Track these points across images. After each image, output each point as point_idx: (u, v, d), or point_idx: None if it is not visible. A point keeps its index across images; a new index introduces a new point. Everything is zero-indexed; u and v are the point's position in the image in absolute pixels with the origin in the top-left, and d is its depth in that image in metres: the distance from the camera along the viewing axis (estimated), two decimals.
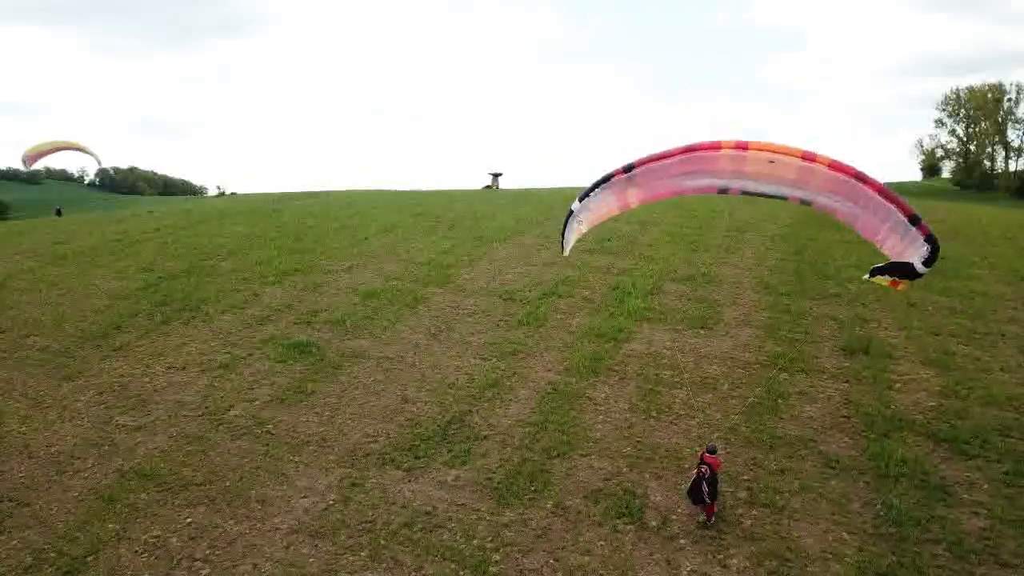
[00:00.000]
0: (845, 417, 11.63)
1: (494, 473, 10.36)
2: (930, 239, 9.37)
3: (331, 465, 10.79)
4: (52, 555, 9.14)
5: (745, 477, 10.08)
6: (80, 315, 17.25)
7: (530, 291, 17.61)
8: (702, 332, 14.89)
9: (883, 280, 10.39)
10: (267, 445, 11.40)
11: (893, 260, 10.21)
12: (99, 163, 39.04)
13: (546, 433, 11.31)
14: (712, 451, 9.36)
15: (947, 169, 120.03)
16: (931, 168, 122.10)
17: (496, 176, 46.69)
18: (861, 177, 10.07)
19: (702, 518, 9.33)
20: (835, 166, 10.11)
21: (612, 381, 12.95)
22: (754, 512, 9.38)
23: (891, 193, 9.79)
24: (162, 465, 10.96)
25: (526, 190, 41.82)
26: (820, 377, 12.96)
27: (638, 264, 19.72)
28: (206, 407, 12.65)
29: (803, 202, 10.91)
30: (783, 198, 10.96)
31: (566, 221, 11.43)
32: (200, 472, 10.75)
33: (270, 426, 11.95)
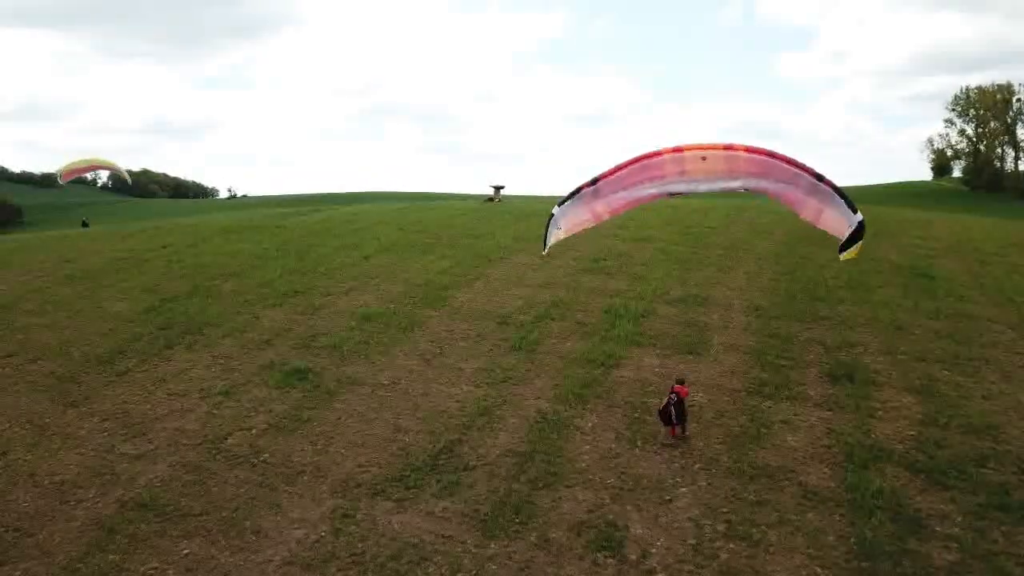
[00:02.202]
0: (826, 447, 11.91)
1: (481, 504, 10.67)
2: (850, 204, 11.39)
3: (324, 495, 11.13)
4: None
5: (724, 509, 10.36)
6: (85, 339, 17.69)
7: (524, 314, 17.95)
8: (690, 357, 15.20)
9: (852, 253, 11.75)
10: (263, 475, 11.76)
11: (845, 232, 11.84)
12: (128, 181, 40.17)
13: (533, 464, 11.63)
14: (681, 382, 12.14)
15: (958, 169, 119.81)
16: (941, 168, 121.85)
17: (498, 188, 47.04)
18: (771, 154, 11.88)
19: (668, 441, 11.97)
20: (751, 149, 11.96)
21: (600, 409, 13.26)
22: (731, 546, 9.66)
23: (797, 161, 11.63)
24: (162, 495, 11.32)
25: (532, 197, 42.24)
26: (804, 405, 13.24)
27: (631, 285, 20.03)
28: (205, 435, 13.02)
29: (744, 189, 12.65)
30: (721, 191, 12.77)
31: (547, 224, 12.95)
32: (198, 502, 11.10)
33: (266, 455, 12.31)
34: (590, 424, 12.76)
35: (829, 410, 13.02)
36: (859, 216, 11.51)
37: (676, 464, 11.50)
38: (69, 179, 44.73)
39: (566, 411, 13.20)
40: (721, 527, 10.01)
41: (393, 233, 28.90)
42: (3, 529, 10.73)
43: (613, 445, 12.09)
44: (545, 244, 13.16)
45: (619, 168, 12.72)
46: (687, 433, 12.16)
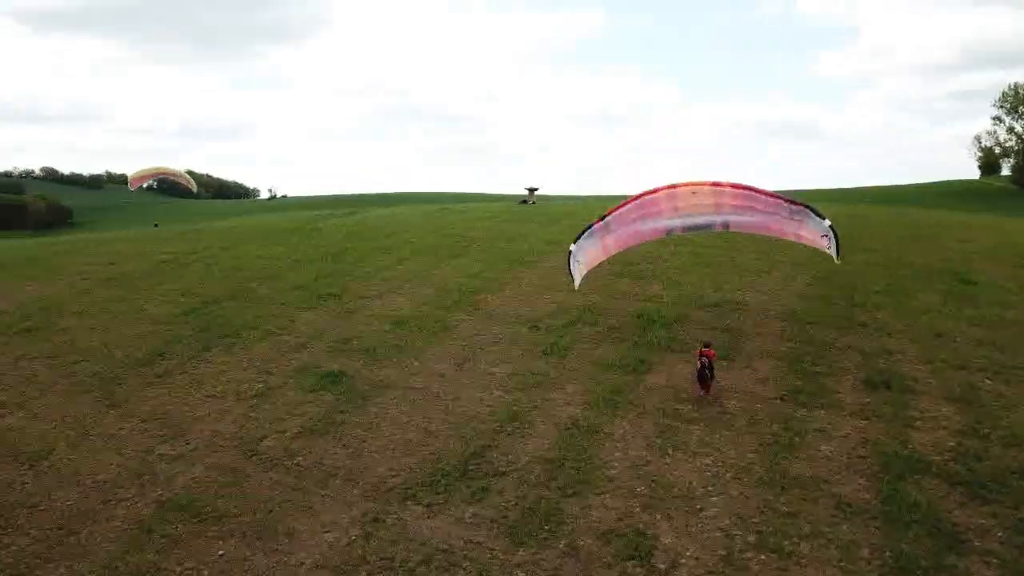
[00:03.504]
0: (861, 457, 11.71)
1: (510, 511, 10.71)
2: (818, 214, 14.35)
3: (355, 499, 11.27)
4: None
5: (755, 520, 10.25)
6: (127, 341, 18.12)
7: (555, 319, 17.95)
8: (723, 364, 15.03)
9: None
10: (296, 477, 11.95)
11: (830, 245, 14.80)
12: (193, 190, 40.87)
13: (563, 470, 11.63)
14: (707, 345, 13.79)
15: (1007, 167, 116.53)
16: (990, 166, 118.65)
17: (532, 190, 47.09)
18: (753, 189, 13.97)
19: (702, 393, 13.55)
20: (736, 185, 13.92)
21: (631, 416, 13.21)
22: (762, 557, 9.56)
23: (773, 192, 14.13)
24: (198, 496, 11.57)
25: (567, 197, 42.16)
26: (839, 413, 13.03)
27: (665, 290, 19.90)
28: (241, 437, 13.27)
29: (724, 226, 14.84)
30: (710, 227, 14.87)
31: (568, 261, 14.84)
32: (233, 504, 11.32)
33: (299, 458, 12.50)
34: (621, 431, 12.72)
35: (865, 419, 12.80)
36: (827, 221, 14.28)
37: (708, 473, 11.41)
38: (138, 184, 46.02)
39: (596, 417, 13.17)
40: (752, 538, 9.91)
41: (426, 236, 29.08)
42: (48, 527, 11.07)
43: (644, 452, 12.04)
44: (575, 280, 14.96)
45: (623, 204, 14.53)
46: (713, 393, 13.68)
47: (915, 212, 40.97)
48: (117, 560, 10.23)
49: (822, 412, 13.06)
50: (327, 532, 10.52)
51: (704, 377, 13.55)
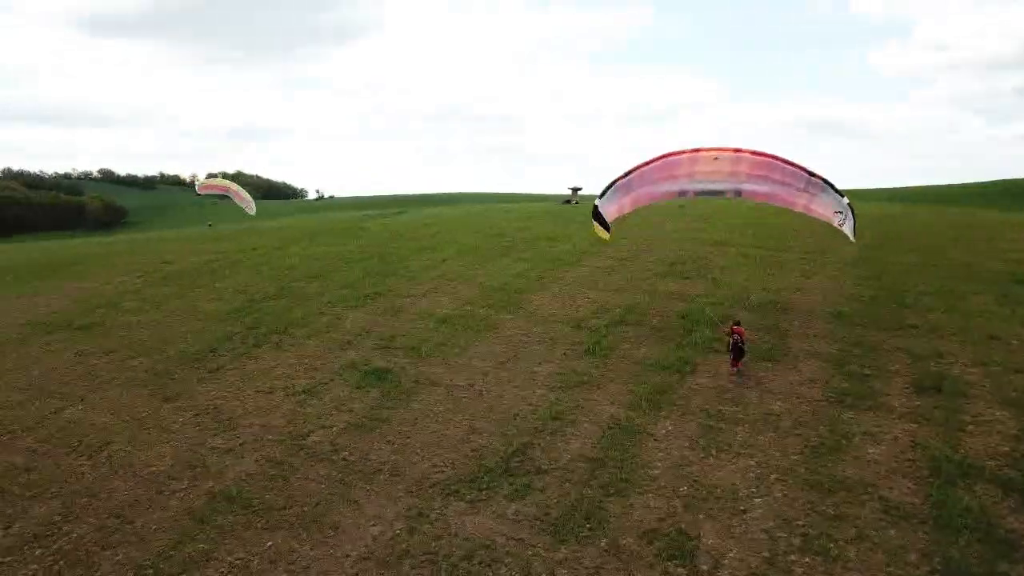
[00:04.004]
0: (910, 460, 11.48)
1: (552, 509, 10.77)
2: (837, 191, 14.46)
3: (400, 494, 11.45)
4: (150, 572, 10.11)
5: (800, 522, 10.13)
6: (181, 337, 18.67)
7: (598, 318, 17.95)
8: (768, 365, 14.88)
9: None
10: (342, 472, 12.19)
11: (843, 221, 14.72)
12: (251, 213, 42.07)
13: (605, 469, 11.65)
14: (738, 323, 14.72)
15: None
16: None
17: (575, 190, 47.03)
18: (773, 156, 14.08)
19: (735, 371, 14.36)
20: (756, 153, 14.16)
21: (674, 416, 13.16)
22: (806, 559, 9.45)
23: (793, 162, 14.19)
24: (248, 489, 11.88)
25: None
26: (888, 416, 12.79)
27: (710, 290, 19.73)
28: (289, 432, 13.58)
29: (736, 193, 15.04)
30: (723, 194, 15.20)
31: (594, 214, 15.83)
32: (281, 497, 11.60)
33: (346, 452, 12.75)
34: (664, 431, 12.68)
35: (915, 422, 12.54)
36: (845, 199, 14.38)
37: (751, 474, 11.31)
38: (204, 191, 48.02)
39: (639, 417, 13.15)
40: (796, 540, 9.80)
41: (470, 236, 29.31)
42: (106, 515, 11.49)
43: (687, 453, 11.99)
44: (608, 229, 15.73)
45: (648, 163, 14.87)
46: (742, 368, 14.54)
47: (968, 212, 39.82)
48: (171, 549, 10.57)
49: (870, 415, 12.84)
50: (372, 526, 10.72)
51: (740, 351, 14.38)
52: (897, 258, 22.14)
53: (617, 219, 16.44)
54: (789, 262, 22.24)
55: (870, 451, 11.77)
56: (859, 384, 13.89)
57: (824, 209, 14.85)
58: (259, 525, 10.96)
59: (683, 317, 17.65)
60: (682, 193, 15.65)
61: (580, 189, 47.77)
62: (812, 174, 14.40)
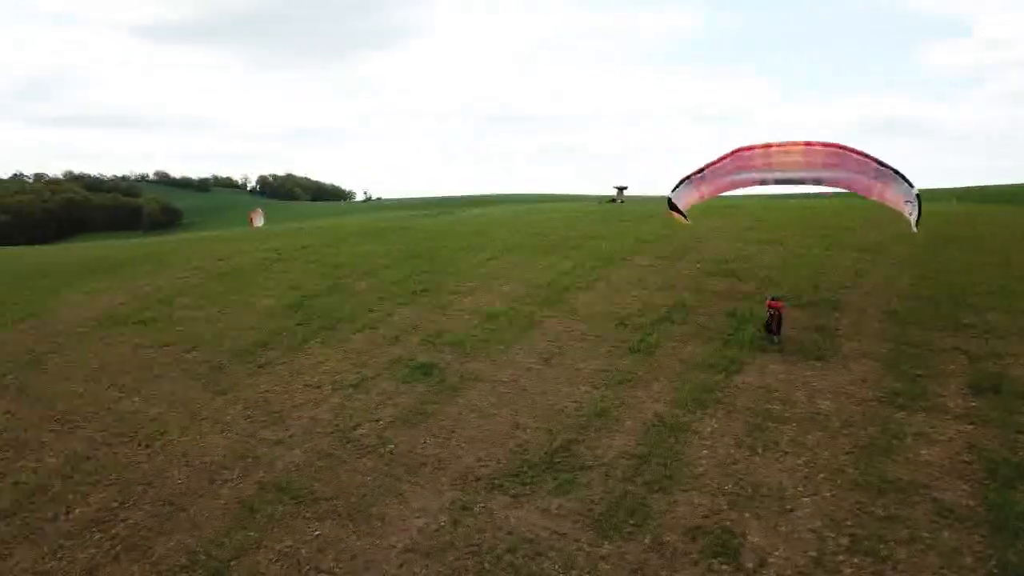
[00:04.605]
0: (966, 462, 11.17)
1: (596, 504, 10.78)
2: (907, 181, 14.53)
3: (444, 487, 11.59)
4: (203, 558, 10.44)
5: (848, 523, 9.95)
6: (234, 331, 19.17)
7: (643, 316, 17.86)
8: (818, 364, 14.62)
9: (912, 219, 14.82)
10: (388, 464, 12.38)
11: (912, 211, 14.70)
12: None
13: (649, 466, 11.60)
14: (775, 298, 15.70)
15: None
16: None
17: (621, 189, 46.75)
18: (843, 147, 14.40)
19: (775, 341, 15.45)
20: (827, 144, 14.48)
21: (720, 414, 13.03)
22: (855, 560, 9.29)
23: (863, 151, 14.38)
24: (296, 479, 12.16)
25: (656, 198, 41.48)
26: (942, 417, 12.46)
27: (759, 288, 19.45)
28: (336, 425, 13.84)
29: (815, 181, 15.55)
30: (801, 181, 15.67)
31: (669, 205, 16.83)
32: (328, 487, 11.85)
33: (392, 446, 12.94)
34: (709, 429, 12.57)
35: (971, 423, 12.19)
36: (915, 189, 14.38)
37: (799, 473, 11.14)
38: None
39: (684, 415, 13.06)
40: (845, 540, 9.63)
41: (516, 235, 29.41)
42: (160, 503, 11.89)
43: (732, 451, 11.87)
44: (684, 215, 16.77)
45: (720, 159, 15.44)
46: (781, 342, 15.44)
47: None
48: (223, 536, 10.89)
49: (923, 415, 12.52)
50: (417, 518, 10.87)
51: (772, 327, 15.44)
52: (956, 257, 21.49)
53: (693, 205, 17.12)
54: (841, 261, 21.78)
55: (923, 452, 11.49)
56: (912, 384, 13.56)
57: (895, 197, 14.94)
58: (307, 515, 11.21)
59: (731, 315, 17.45)
60: (762, 182, 16.25)
61: (626, 188, 47.50)
62: (882, 163, 14.48)
